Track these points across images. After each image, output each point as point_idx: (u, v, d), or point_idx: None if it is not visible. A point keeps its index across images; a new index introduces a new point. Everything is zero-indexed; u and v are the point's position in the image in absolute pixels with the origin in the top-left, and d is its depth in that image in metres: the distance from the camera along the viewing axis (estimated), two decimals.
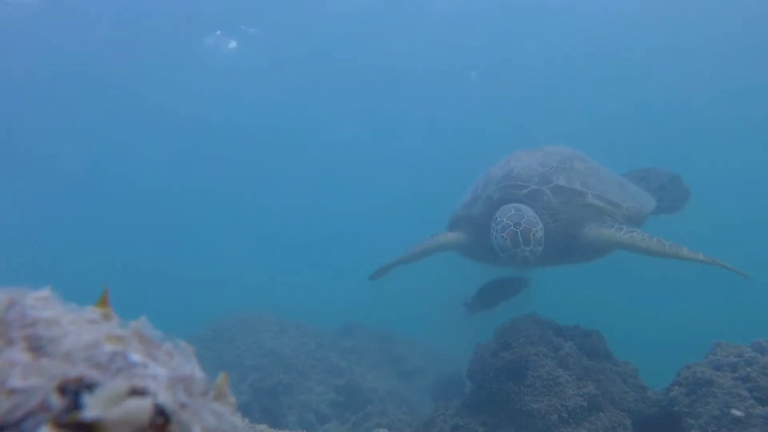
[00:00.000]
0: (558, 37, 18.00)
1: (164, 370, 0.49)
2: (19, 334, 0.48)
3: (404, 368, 9.53)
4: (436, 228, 5.25)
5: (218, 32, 17.44)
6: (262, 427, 2.85)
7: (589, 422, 3.66)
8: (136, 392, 0.44)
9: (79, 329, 0.51)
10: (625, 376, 4.29)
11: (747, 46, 16.89)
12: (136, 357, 0.49)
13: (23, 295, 0.53)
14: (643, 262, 4.77)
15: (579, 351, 4.24)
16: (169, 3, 15.48)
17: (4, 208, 25.28)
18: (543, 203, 4.46)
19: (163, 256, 30.53)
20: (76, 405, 0.42)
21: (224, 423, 0.50)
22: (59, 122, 20.47)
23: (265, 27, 16.98)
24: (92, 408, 0.42)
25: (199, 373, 0.52)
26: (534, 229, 4.02)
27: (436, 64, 19.70)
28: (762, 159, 21.42)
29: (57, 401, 0.42)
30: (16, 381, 0.43)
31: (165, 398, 0.45)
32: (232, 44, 18.37)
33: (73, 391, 0.43)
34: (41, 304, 0.53)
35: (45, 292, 0.55)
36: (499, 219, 4.20)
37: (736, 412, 3.28)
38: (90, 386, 0.44)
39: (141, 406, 0.43)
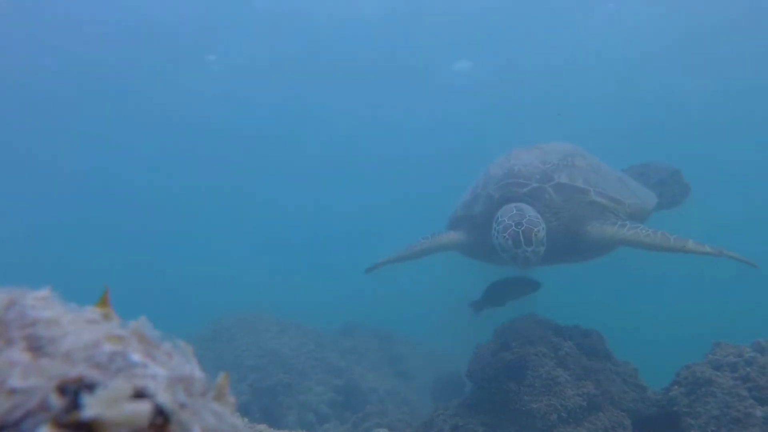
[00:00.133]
0: (558, 37, 18.01)
1: (164, 370, 0.49)
2: (19, 334, 0.48)
3: (404, 368, 9.52)
4: (436, 228, 5.21)
5: (218, 35, 17.44)
6: (262, 427, 2.85)
7: (588, 422, 3.66)
8: (136, 392, 0.44)
9: (79, 329, 0.51)
10: (625, 375, 4.28)
11: (747, 46, 16.89)
12: (136, 357, 0.49)
13: (23, 294, 0.53)
14: (643, 263, 4.76)
15: (578, 351, 4.24)
16: (172, 8, 15.51)
17: (5, 208, 25.30)
18: (545, 201, 4.38)
19: (163, 256, 30.57)
20: (75, 405, 0.42)
21: (224, 423, 0.50)
22: (59, 122, 20.50)
23: (263, 27, 16.98)
24: (92, 408, 0.42)
25: (198, 373, 0.52)
26: (536, 229, 3.95)
27: (436, 64, 19.72)
28: (762, 159, 21.45)
29: (57, 401, 0.42)
30: (16, 381, 0.43)
31: (165, 398, 0.45)
32: (233, 45, 18.35)
33: (73, 391, 0.43)
34: (41, 304, 0.53)
35: (45, 292, 0.55)
36: (500, 219, 4.13)
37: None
38: (90, 386, 0.44)
39: (141, 406, 0.43)
